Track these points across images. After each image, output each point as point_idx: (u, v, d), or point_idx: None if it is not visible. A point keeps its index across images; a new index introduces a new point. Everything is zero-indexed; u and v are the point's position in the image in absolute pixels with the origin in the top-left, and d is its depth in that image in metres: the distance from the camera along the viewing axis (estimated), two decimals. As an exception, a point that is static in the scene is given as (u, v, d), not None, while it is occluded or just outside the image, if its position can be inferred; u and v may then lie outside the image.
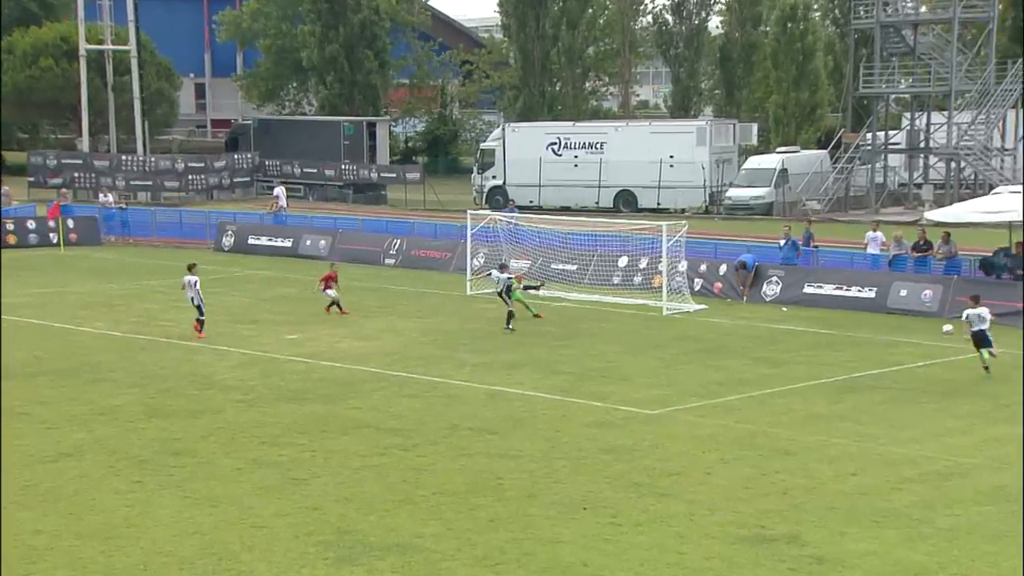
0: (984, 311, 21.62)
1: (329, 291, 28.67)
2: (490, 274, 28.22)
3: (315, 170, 62.59)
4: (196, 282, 25.65)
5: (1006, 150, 53.80)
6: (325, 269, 30.19)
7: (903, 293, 29.26)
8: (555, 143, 57.69)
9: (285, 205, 48.84)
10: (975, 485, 15.22)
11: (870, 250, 32.20)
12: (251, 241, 42.30)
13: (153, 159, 61.65)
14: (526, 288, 28.15)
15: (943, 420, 18.66)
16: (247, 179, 63.81)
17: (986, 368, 21.69)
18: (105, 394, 20.30)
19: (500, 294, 27.27)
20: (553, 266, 33.59)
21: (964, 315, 21.88)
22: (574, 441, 17.38)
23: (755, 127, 62.36)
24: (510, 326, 26.50)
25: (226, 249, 42.40)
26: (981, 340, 21.57)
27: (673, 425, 18.36)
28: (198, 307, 25.61)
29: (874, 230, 32.82)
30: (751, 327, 27.53)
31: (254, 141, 66.06)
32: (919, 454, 16.66)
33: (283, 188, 51.34)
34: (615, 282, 33.05)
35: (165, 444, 17.15)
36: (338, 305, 28.57)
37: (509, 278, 27.36)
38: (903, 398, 20.19)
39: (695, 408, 19.49)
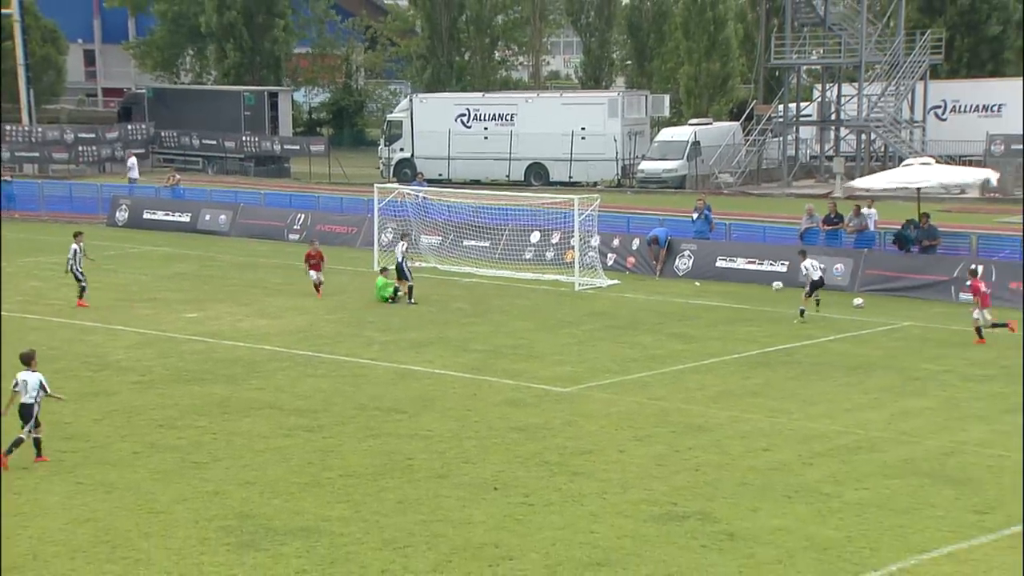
0: (814, 262, 25.49)
1: (313, 272, 27.69)
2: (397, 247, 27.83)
3: (214, 142, 61.58)
4: (76, 251, 25.58)
5: (915, 122, 55.11)
6: (305, 248, 29.27)
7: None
8: (464, 115, 57.52)
9: (136, 176, 49.00)
10: (884, 459, 15.64)
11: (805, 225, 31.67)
12: (147, 216, 41.50)
13: (40, 129, 60.11)
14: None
15: (853, 394, 19.12)
16: (142, 151, 62.52)
17: (817, 303, 25.29)
18: (-9, 377, 19.75)
19: (399, 267, 27.12)
20: (465, 242, 33.55)
21: (802, 268, 25.43)
22: (485, 420, 17.42)
23: (667, 99, 62.88)
24: (412, 300, 26.72)
25: (120, 224, 41.53)
26: (818, 285, 25.23)
27: (586, 403, 18.49)
28: (76, 276, 25.56)
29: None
30: (665, 302, 27.81)
31: (149, 111, 64.74)
32: (830, 428, 17.05)
33: (135, 158, 51.38)
34: (527, 257, 33.14)
35: (56, 428, 16.75)
36: (316, 287, 27.58)
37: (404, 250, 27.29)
38: (815, 372, 20.62)
39: (608, 385, 19.64)
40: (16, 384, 15.21)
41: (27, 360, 15.38)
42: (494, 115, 57.10)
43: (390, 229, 34.42)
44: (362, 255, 34.05)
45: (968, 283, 24.15)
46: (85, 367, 20.66)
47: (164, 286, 29.63)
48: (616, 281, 30.48)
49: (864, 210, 31.24)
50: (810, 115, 57.43)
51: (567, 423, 17.31)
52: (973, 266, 24.63)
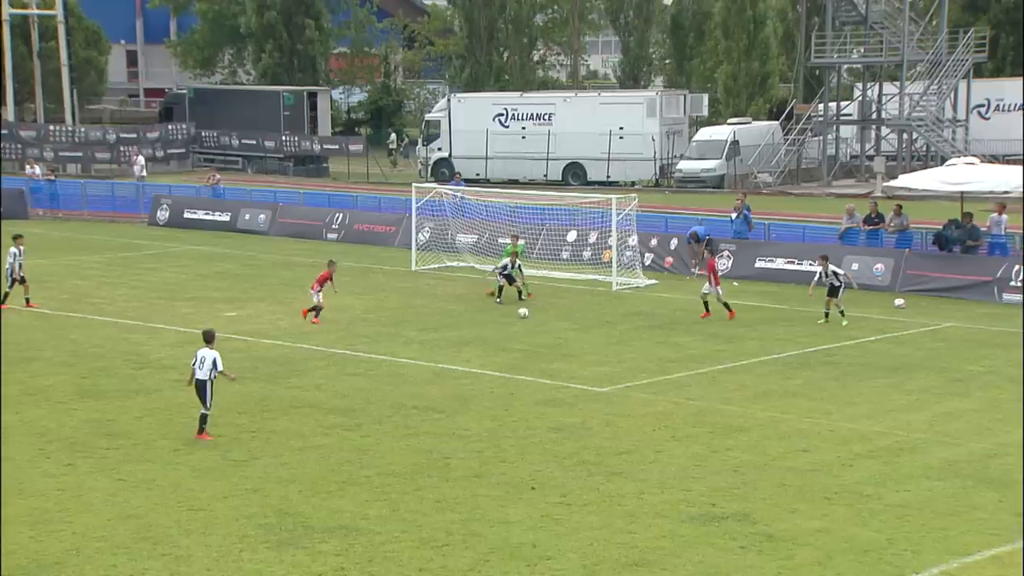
0: (837, 269, 25.06)
1: (317, 295, 24.86)
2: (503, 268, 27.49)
3: (254, 141, 62.00)
4: (16, 253, 25.45)
5: (958, 121, 54.53)
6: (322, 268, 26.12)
7: (855, 267, 29.59)
8: (502, 114, 57.55)
9: (144, 175, 49.58)
10: (925, 461, 15.49)
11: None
12: (187, 215, 41.84)
13: (83, 129, 60.76)
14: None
15: (894, 395, 18.95)
16: (182, 151, 63.09)
17: (826, 315, 24.74)
18: (34, 374, 20.01)
19: (503, 273, 27.09)
20: (500, 240, 33.54)
21: (818, 275, 25.22)
22: (522, 420, 17.42)
23: (706, 98, 62.62)
24: (500, 299, 26.78)
25: (161, 223, 41.91)
26: (834, 292, 24.74)
27: (624, 403, 18.45)
28: (14, 279, 25.42)
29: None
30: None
31: (190, 111, 65.27)
32: (870, 430, 16.91)
33: (143, 157, 52.03)
34: (564, 257, 33.11)
35: (98, 426, 16.96)
36: (316, 311, 24.79)
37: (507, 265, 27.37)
38: (855, 373, 20.47)
39: (646, 385, 19.60)
40: (195, 360, 16.20)
41: (209, 338, 16.43)
42: (532, 114, 57.10)
43: (427, 229, 34.53)
44: (400, 254, 34.16)
45: (706, 260, 26.17)
46: (127, 365, 20.87)
47: (204, 285, 29.88)
48: (654, 281, 30.40)
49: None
50: (851, 114, 57.00)
51: (605, 423, 17.28)
52: (694, 229, 26.93)
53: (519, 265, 27.78)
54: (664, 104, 56.11)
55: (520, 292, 27.26)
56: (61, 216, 44.29)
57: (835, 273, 24.82)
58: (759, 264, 30.95)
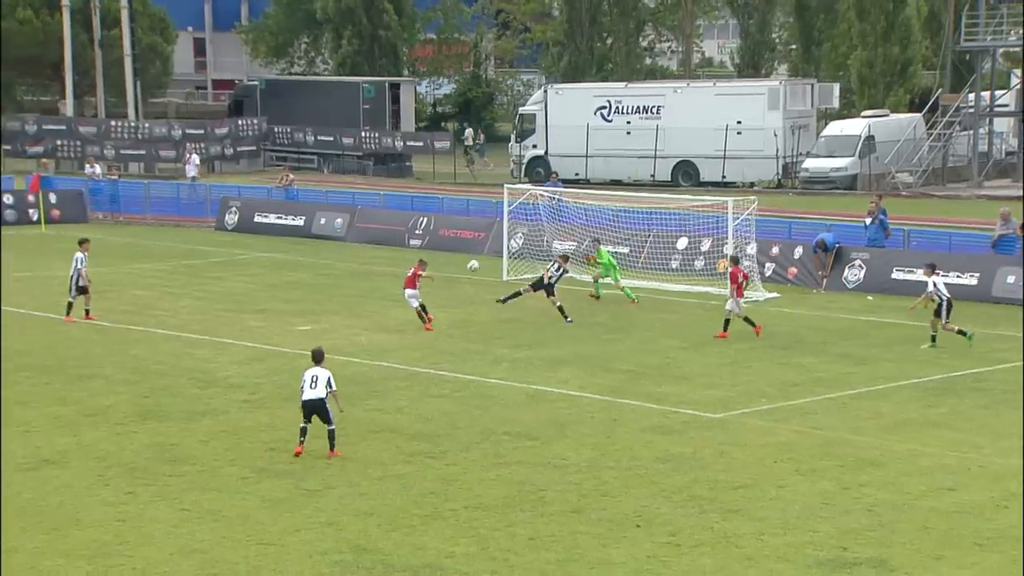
0: (940, 280, 24.42)
1: (412, 294, 25.64)
2: (559, 269, 27.56)
3: (331, 138, 62.89)
4: (82, 259, 26.02)
5: None
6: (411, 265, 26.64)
7: (1010, 280, 28.96)
8: (605, 107, 57.62)
9: (196, 174, 50.07)
10: (1092, 502, 15.08)
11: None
12: (258, 219, 42.61)
13: (147, 125, 62.19)
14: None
15: (1055, 427, 18.49)
16: (253, 148, 64.25)
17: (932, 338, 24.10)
18: (93, 393, 20.52)
19: (548, 284, 27.13)
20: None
21: (929, 285, 24.20)
22: (626, 449, 17.38)
23: (837, 88, 61.90)
24: (569, 318, 26.61)
25: (229, 228, 42.72)
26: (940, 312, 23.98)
27: (740, 431, 18.31)
28: (79, 287, 26.01)
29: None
30: (831, 318, 27.40)
31: (261, 105, 66.44)
32: (1027, 466, 16.53)
33: (196, 155, 52.26)
34: (673, 267, 32.99)
35: (160, 450, 17.31)
36: (421, 312, 25.61)
37: (560, 271, 27.31)
38: (1009, 401, 20.02)
39: (766, 412, 19.43)
40: (304, 380, 16.95)
41: (319, 357, 17.22)
42: (638, 107, 57.06)
43: (520, 234, 34.63)
44: (490, 263, 34.29)
45: (728, 270, 25.40)
46: (191, 383, 21.27)
47: (275, 296, 30.35)
48: (775, 294, 30.14)
49: None
50: (1007, 105, 55.82)
51: (719, 453, 17.16)
52: (734, 252, 25.82)
53: (603, 273, 27.50)
54: (788, 95, 55.63)
55: (564, 313, 26.65)
56: (122, 220, 45.43)
57: (937, 287, 24.17)
58: (896, 276, 30.50)
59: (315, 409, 16.88)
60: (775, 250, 32.35)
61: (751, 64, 77.07)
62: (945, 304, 23.97)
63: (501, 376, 21.84)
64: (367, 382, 21.38)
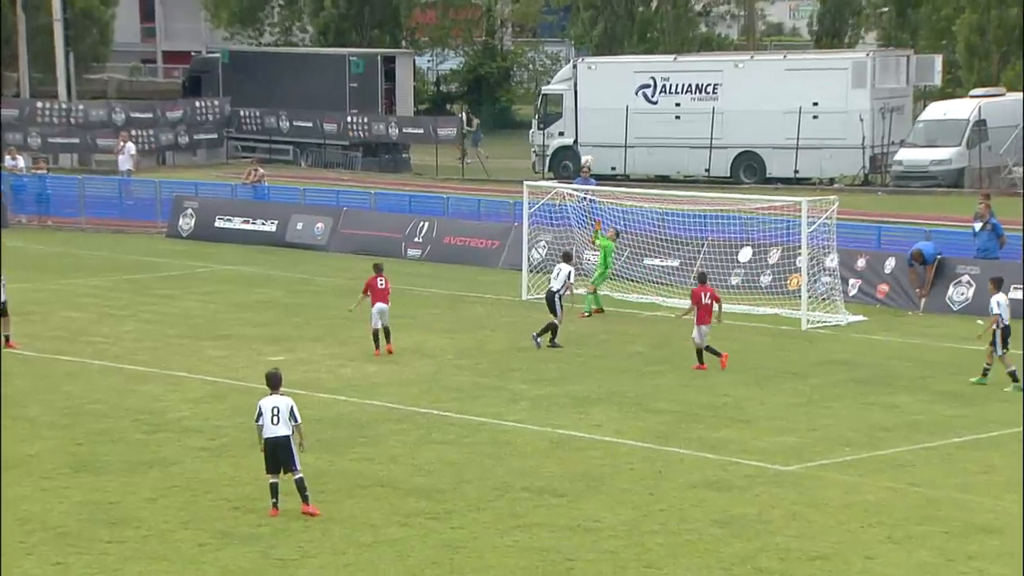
0: (1003, 299, 24.35)
1: (384, 310, 26.15)
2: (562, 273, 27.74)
3: (309, 124, 62.93)
4: None
5: None
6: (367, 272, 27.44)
7: None
8: (648, 85, 57.57)
9: (131, 167, 49.67)
10: None
11: None
12: (219, 223, 42.68)
13: (81, 107, 62.25)
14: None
15: None
16: (214, 136, 64.34)
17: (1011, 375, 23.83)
18: (14, 439, 20.50)
19: (554, 297, 27.22)
20: (646, 261, 33.51)
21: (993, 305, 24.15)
22: (674, 508, 17.36)
23: (939, 61, 61.74)
24: (556, 341, 26.83)
25: (184, 234, 42.81)
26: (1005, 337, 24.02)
27: (818, 487, 18.27)
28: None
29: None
30: (931, 348, 27.35)
31: (223, 83, 66.53)
32: None
33: (132, 144, 51.81)
34: (734, 283, 32.93)
35: (98, 510, 17.31)
36: (381, 336, 26.21)
37: (569, 278, 27.48)
38: None
39: (850, 463, 19.37)
40: (260, 415, 16.71)
41: (275, 382, 16.95)
42: (690, 86, 57.01)
43: (543, 243, 34.61)
44: (506, 278, 34.31)
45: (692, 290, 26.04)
46: (136, 427, 21.27)
47: (241, 318, 30.38)
48: (862, 317, 30.06)
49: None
50: None
51: (791, 515, 17.12)
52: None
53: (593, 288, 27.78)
54: (878, 69, 55.49)
55: (554, 333, 26.93)
56: (51, 224, 45.48)
57: (1000, 308, 24.06)
58: (1015, 295, 30.33)
59: (281, 450, 16.75)
60: (861, 263, 32.25)
61: (831, 32, 77.03)
62: (1000, 331, 23.87)
63: (519, 418, 21.82)
64: (355, 425, 21.37)
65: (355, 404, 22.68)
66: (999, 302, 24.14)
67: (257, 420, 16.88)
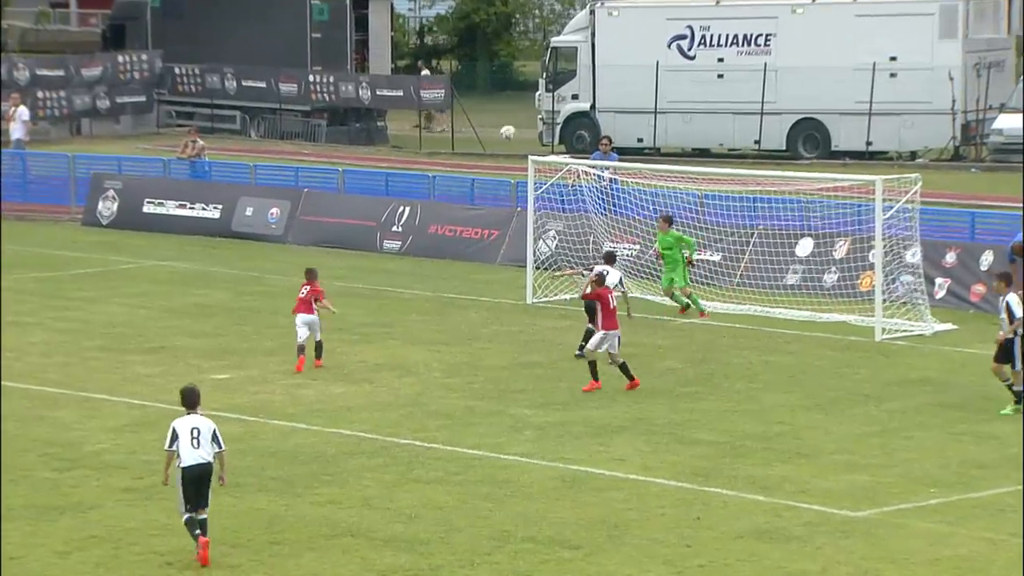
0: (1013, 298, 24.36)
1: (308, 321, 26.60)
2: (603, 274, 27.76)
3: (262, 84, 62.95)
4: None
5: None
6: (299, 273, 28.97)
7: None
8: (685, 37, 57.53)
9: (23, 136, 49.54)
10: None
11: None
12: (149, 208, 42.67)
13: (-24, 65, 62.31)
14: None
15: None
16: (141, 99, 64.32)
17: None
18: None
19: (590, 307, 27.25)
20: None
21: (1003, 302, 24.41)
22: (717, 562, 17.39)
23: (1047, 6, 61.95)
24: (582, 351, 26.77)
25: (105, 221, 42.78)
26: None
27: (896, 537, 18.30)
28: None
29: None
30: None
31: (153, 33, 66.54)
32: None
33: (24, 108, 51.58)
34: (790, 283, 32.94)
35: (-3, 564, 17.34)
36: (315, 349, 26.80)
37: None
38: None
39: (936, 508, 19.43)
40: (174, 439, 16.80)
41: (192, 400, 17.06)
42: (736, 37, 56.98)
43: (553, 233, 34.60)
44: (506, 276, 34.33)
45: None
46: (44, 463, 21.27)
47: (176, 326, 30.40)
48: (951, 325, 30.07)
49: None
50: None
51: (863, 572, 17.15)
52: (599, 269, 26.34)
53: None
54: (972, 16, 55.44)
55: (587, 339, 26.90)
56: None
57: (1009, 308, 24.28)
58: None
59: (205, 481, 16.78)
60: (951, 258, 32.24)
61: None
62: (1022, 339, 23.91)
63: (523, 451, 21.84)
64: (318, 459, 21.38)
65: (318, 433, 22.69)
66: (1008, 303, 24.27)
67: (170, 445, 16.88)
